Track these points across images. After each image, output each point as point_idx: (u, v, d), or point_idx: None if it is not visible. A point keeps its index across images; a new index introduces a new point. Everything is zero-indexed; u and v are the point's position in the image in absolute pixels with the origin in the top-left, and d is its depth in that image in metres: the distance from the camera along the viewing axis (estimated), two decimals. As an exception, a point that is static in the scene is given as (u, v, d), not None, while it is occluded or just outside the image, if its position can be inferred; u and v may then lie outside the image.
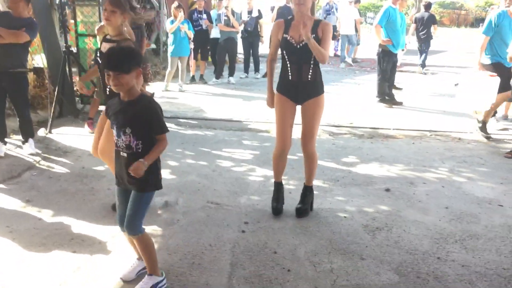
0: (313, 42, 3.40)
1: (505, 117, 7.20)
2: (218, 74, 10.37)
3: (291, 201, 4.10)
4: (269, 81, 3.85)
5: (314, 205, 4.01)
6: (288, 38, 3.58)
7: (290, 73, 3.64)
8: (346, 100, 8.51)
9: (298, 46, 3.55)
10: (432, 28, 12.06)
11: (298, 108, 3.76)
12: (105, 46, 3.55)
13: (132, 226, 2.68)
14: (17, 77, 5.01)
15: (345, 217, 3.81)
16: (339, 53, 14.15)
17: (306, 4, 3.51)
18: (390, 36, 7.74)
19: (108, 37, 3.63)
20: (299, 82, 3.63)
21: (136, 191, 2.68)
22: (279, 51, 3.73)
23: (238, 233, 3.51)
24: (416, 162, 5.16)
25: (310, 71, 3.59)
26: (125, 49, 2.61)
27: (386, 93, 8.13)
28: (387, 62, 7.89)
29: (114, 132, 2.64)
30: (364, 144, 5.82)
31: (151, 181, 2.67)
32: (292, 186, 4.44)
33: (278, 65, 3.77)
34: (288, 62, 3.63)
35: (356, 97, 8.74)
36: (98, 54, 3.58)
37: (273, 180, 4.50)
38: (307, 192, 3.89)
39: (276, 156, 3.85)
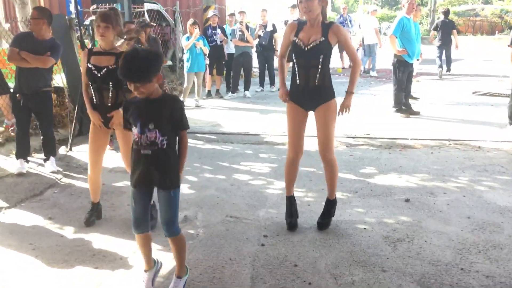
0: (352, 90, 3.64)
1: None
2: (233, 88, 10.45)
3: (310, 213, 4.09)
4: (281, 76, 3.88)
5: (333, 217, 4.00)
6: (297, 41, 3.59)
7: (298, 77, 3.65)
8: (363, 111, 8.47)
9: (306, 49, 3.55)
10: (452, 36, 12.36)
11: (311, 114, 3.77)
12: (98, 60, 3.67)
13: (174, 227, 2.77)
14: (43, 96, 5.16)
15: (365, 228, 3.78)
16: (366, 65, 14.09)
17: (314, 11, 3.48)
18: (405, 46, 7.72)
19: (99, 50, 3.72)
20: (306, 87, 3.62)
21: (167, 190, 2.71)
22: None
23: (258, 247, 3.51)
24: (435, 172, 5.11)
25: (318, 75, 3.57)
26: (143, 56, 2.57)
27: (402, 103, 8.08)
28: (402, 72, 7.86)
29: (137, 129, 2.66)
30: (382, 155, 5.78)
31: (174, 177, 2.74)
32: (311, 198, 4.43)
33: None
34: (296, 66, 3.65)
35: (372, 108, 8.70)
36: (92, 68, 3.66)
37: (291, 193, 4.51)
38: (329, 206, 3.85)
39: (288, 163, 3.86)
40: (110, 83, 3.67)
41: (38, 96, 5.08)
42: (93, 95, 3.74)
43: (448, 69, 12.81)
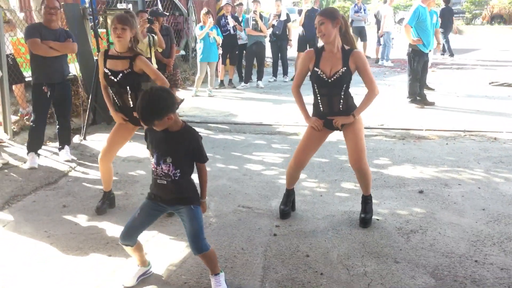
0: (356, 115, 3.54)
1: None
2: (246, 78, 10.42)
3: (322, 204, 4.08)
4: (302, 107, 3.71)
5: (345, 208, 3.98)
6: (319, 72, 3.49)
7: (321, 105, 3.60)
8: (377, 101, 8.36)
9: (330, 81, 3.48)
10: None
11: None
12: (113, 64, 3.67)
13: (200, 244, 2.71)
14: (67, 85, 5.29)
15: (377, 219, 3.76)
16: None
17: (328, 35, 3.40)
18: (420, 35, 7.62)
19: (114, 54, 3.71)
20: (331, 113, 3.58)
21: (187, 205, 2.72)
22: (307, 80, 3.65)
23: (270, 237, 3.51)
24: (450, 163, 5.05)
25: (341, 101, 3.54)
26: (150, 103, 2.55)
27: (417, 93, 7.99)
28: (417, 62, 7.76)
29: (154, 160, 2.70)
30: (396, 146, 5.73)
31: (192, 197, 2.76)
32: (323, 189, 4.42)
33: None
34: (318, 95, 3.58)
35: (386, 98, 8.61)
36: (109, 73, 3.68)
37: (303, 183, 4.51)
38: (367, 200, 3.75)
39: (290, 170, 3.81)
40: (128, 87, 3.69)
41: (64, 84, 5.16)
42: (115, 97, 3.78)
43: (451, 54, 13.84)
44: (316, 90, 3.58)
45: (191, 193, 2.76)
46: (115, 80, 3.67)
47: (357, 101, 3.64)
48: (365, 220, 3.67)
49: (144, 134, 2.84)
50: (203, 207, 2.82)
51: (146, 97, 2.56)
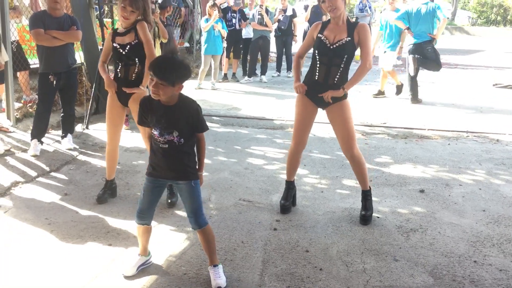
0: (347, 89, 3.51)
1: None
2: (250, 72, 10.41)
3: (323, 200, 4.09)
4: (296, 73, 3.74)
5: (346, 204, 3.99)
6: (322, 38, 3.53)
7: (317, 73, 3.59)
8: (379, 99, 8.40)
9: (332, 47, 3.50)
10: None
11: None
12: (122, 39, 3.72)
13: (200, 218, 2.77)
14: (74, 73, 5.29)
15: (378, 217, 3.76)
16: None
17: (338, 8, 3.43)
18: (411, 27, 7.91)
19: (122, 31, 3.78)
20: (324, 84, 3.56)
21: (187, 180, 2.74)
22: (310, 52, 3.69)
23: (270, 231, 3.52)
24: (451, 163, 5.05)
25: (338, 74, 3.53)
26: (177, 61, 2.58)
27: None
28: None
29: (157, 132, 2.69)
30: (398, 144, 5.73)
31: (191, 169, 2.76)
32: (324, 185, 4.42)
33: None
34: (318, 63, 3.58)
35: (389, 97, 8.61)
36: (118, 47, 3.73)
37: (304, 179, 4.52)
38: (367, 197, 3.73)
39: (290, 153, 3.83)
40: (136, 58, 3.73)
41: (70, 73, 5.16)
42: (119, 71, 3.79)
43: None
44: (317, 57, 3.58)
45: (191, 165, 2.75)
46: (123, 52, 3.71)
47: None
48: (365, 217, 3.67)
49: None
50: (200, 180, 2.82)
51: (172, 56, 2.59)
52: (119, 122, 3.94)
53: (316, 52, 3.58)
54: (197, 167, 2.81)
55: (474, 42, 19.59)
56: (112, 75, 3.88)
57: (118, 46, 3.73)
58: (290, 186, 3.91)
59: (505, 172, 4.79)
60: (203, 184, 4.07)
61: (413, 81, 8.04)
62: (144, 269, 2.96)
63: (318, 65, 3.58)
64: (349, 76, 3.61)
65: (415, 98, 8.04)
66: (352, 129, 3.61)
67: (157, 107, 2.68)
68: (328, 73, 3.55)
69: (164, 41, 6.65)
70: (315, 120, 3.78)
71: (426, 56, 7.72)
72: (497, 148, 5.61)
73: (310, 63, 3.69)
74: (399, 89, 8.68)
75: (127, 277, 2.88)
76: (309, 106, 3.68)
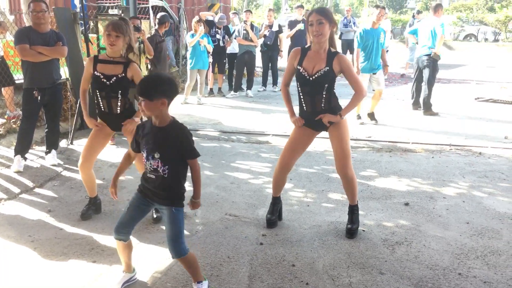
0: (343, 115, 3.55)
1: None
2: (236, 87, 10.45)
3: (309, 214, 4.09)
4: (288, 105, 3.72)
5: (332, 218, 4.00)
6: (301, 70, 3.52)
7: (304, 105, 3.62)
8: (365, 113, 8.48)
9: (311, 79, 3.50)
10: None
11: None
12: (105, 68, 3.68)
13: (178, 247, 2.69)
14: (59, 89, 5.27)
15: (363, 230, 3.78)
16: None
17: (324, 35, 3.43)
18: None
19: (106, 58, 3.73)
20: (314, 112, 3.59)
21: (169, 207, 2.70)
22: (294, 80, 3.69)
23: (256, 246, 3.51)
24: (435, 176, 5.11)
25: (323, 100, 3.55)
26: (157, 78, 2.66)
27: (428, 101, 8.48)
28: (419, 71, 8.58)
29: (144, 154, 2.69)
30: (383, 158, 5.78)
31: (177, 199, 2.72)
32: (310, 199, 4.43)
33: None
34: (301, 94, 3.61)
35: (374, 111, 8.69)
36: (101, 76, 3.68)
37: (290, 193, 4.53)
38: (354, 211, 3.76)
39: (275, 174, 3.84)
40: (119, 91, 3.70)
41: (55, 88, 5.13)
42: (101, 102, 3.75)
43: None
44: (299, 89, 3.60)
45: (176, 194, 2.71)
46: (108, 83, 3.67)
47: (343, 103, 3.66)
48: (351, 230, 3.68)
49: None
50: (195, 206, 2.77)
51: (154, 74, 2.69)
52: (100, 147, 3.87)
53: (298, 83, 3.60)
54: (183, 197, 2.76)
55: (456, 56, 19.95)
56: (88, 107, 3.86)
57: (102, 76, 3.67)
58: (276, 201, 3.92)
59: (488, 185, 4.86)
60: (189, 199, 4.07)
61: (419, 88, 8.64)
62: (129, 286, 2.93)
63: (302, 97, 3.61)
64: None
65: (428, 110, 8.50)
66: (347, 149, 3.61)
67: (148, 128, 2.69)
68: (313, 102, 3.57)
69: (150, 57, 6.68)
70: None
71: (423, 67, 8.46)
72: (479, 161, 5.70)
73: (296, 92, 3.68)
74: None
75: None
76: (307, 130, 3.69)
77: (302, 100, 3.62)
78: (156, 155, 2.62)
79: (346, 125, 3.64)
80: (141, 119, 3.78)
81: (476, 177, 5.10)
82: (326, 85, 3.51)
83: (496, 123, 7.69)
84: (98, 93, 3.74)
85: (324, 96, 3.53)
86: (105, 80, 3.66)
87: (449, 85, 12.31)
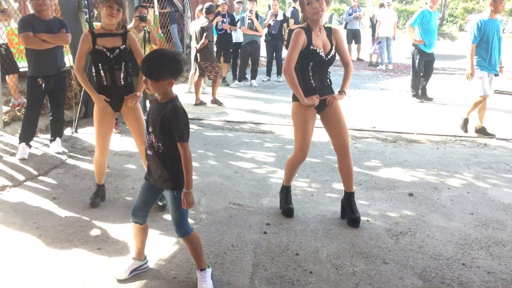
0: (346, 91, 3.69)
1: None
2: (240, 77, 10.42)
3: (313, 203, 4.10)
4: (299, 90, 3.57)
5: (336, 208, 4.00)
6: (318, 50, 3.54)
7: (312, 81, 3.63)
8: (369, 104, 8.45)
9: (326, 59, 3.59)
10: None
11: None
12: (105, 41, 3.70)
13: (182, 228, 2.75)
14: (63, 76, 5.27)
15: (367, 220, 3.78)
16: (374, 58, 13.95)
17: (324, 10, 3.50)
18: (423, 36, 8.30)
19: (102, 31, 3.73)
20: (321, 87, 3.65)
21: (170, 191, 2.70)
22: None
23: (260, 234, 3.52)
24: (440, 167, 5.10)
25: (328, 76, 3.70)
26: (163, 56, 2.55)
27: (419, 88, 8.62)
28: (419, 60, 8.47)
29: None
30: (387, 148, 5.77)
31: (174, 180, 2.68)
32: (314, 189, 4.43)
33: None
34: (310, 72, 3.61)
35: (379, 101, 8.67)
36: (104, 50, 3.70)
37: (294, 183, 4.52)
38: (351, 198, 3.75)
39: (294, 163, 3.82)
40: (123, 63, 3.74)
41: (59, 76, 5.13)
42: (103, 77, 3.75)
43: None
44: (310, 67, 3.61)
45: (174, 176, 2.65)
46: (111, 56, 3.69)
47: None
48: (358, 220, 3.68)
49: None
50: (186, 198, 2.60)
51: (160, 51, 2.60)
52: (109, 130, 3.88)
53: (311, 63, 3.58)
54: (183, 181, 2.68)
55: (462, 47, 19.80)
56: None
57: (105, 50, 3.68)
58: (288, 190, 3.96)
59: (492, 176, 4.84)
60: (194, 188, 4.06)
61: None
62: (138, 274, 2.92)
63: (311, 74, 3.62)
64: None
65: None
66: (346, 125, 3.72)
67: (153, 102, 2.71)
68: (322, 78, 3.65)
69: (155, 47, 6.68)
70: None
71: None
72: (484, 152, 5.67)
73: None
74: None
75: (119, 281, 2.86)
76: (311, 113, 3.68)
77: (311, 77, 3.65)
78: (150, 129, 2.64)
79: (339, 104, 3.74)
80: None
81: (480, 168, 5.08)
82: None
83: (501, 114, 7.64)
84: (100, 67, 3.73)
85: (329, 72, 3.72)
86: (108, 53, 3.68)
87: (454, 76, 12.24)
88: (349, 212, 3.74)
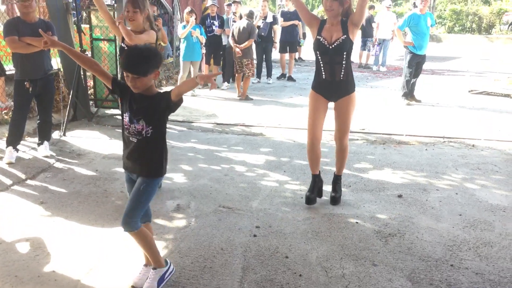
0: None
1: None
2: (227, 77, 10.38)
3: (303, 206, 4.10)
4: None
5: (325, 210, 4.00)
6: (321, 39, 3.80)
7: (323, 73, 3.86)
8: (359, 105, 8.45)
9: (330, 47, 3.77)
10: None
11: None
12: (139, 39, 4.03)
13: (128, 221, 2.62)
14: (50, 79, 5.21)
15: (357, 222, 3.79)
16: (364, 59, 13.99)
17: (336, 10, 3.72)
18: (413, 38, 8.39)
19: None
20: (333, 81, 3.85)
21: (142, 178, 2.67)
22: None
23: (250, 237, 3.51)
24: (429, 168, 5.12)
25: (342, 71, 3.83)
26: (144, 51, 2.59)
27: (409, 88, 8.67)
28: (409, 62, 8.52)
29: (126, 118, 2.67)
30: (376, 150, 5.79)
31: (155, 166, 2.69)
32: (304, 191, 4.42)
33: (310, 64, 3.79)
34: (321, 62, 3.85)
35: (368, 103, 8.70)
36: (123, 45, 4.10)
37: (285, 186, 4.53)
38: (338, 180, 4.18)
39: (308, 149, 4.08)
40: None
41: (46, 79, 5.08)
42: None
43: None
44: (319, 57, 3.85)
45: (153, 163, 2.67)
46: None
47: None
48: (335, 198, 4.09)
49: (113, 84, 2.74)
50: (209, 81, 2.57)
51: (136, 49, 2.65)
52: None
53: (318, 53, 3.85)
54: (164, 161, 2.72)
55: (450, 49, 19.97)
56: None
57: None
58: (315, 179, 4.14)
59: (480, 177, 4.88)
60: (183, 191, 4.04)
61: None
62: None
63: (322, 65, 3.85)
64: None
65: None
66: (349, 122, 4.01)
67: (132, 92, 2.65)
68: (333, 71, 3.84)
69: (164, 44, 6.76)
70: (321, 119, 4.04)
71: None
72: (472, 153, 5.72)
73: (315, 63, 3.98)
74: None
75: None
76: (321, 101, 3.97)
77: (322, 68, 3.87)
78: (141, 120, 2.62)
79: (355, 99, 3.97)
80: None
81: (469, 169, 5.12)
82: (345, 53, 3.79)
83: (490, 116, 7.71)
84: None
85: (343, 65, 3.81)
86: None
87: (443, 77, 12.33)
88: (332, 191, 4.16)
